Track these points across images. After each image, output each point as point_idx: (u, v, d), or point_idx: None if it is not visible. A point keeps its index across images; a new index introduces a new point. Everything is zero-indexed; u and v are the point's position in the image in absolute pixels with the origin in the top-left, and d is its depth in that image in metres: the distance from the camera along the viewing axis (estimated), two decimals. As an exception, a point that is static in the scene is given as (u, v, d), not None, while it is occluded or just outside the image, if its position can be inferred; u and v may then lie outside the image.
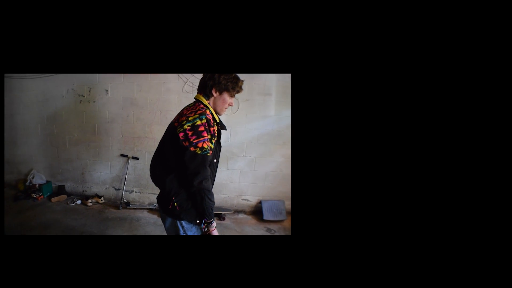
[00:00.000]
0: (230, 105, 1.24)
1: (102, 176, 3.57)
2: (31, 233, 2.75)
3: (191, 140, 1.05)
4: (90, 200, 3.38)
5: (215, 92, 1.20)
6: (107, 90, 3.23)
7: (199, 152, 1.06)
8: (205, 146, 1.07)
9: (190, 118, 1.08)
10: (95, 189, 3.60)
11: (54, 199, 3.51)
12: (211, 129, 1.11)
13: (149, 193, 3.36)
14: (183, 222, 1.18)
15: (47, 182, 3.87)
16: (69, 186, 3.83)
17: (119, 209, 3.20)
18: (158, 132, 3.12)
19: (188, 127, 1.07)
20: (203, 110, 1.12)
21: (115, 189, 3.47)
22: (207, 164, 1.11)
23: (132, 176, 3.40)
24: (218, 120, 1.22)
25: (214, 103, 1.22)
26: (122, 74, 3.16)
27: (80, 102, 3.41)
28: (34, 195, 3.56)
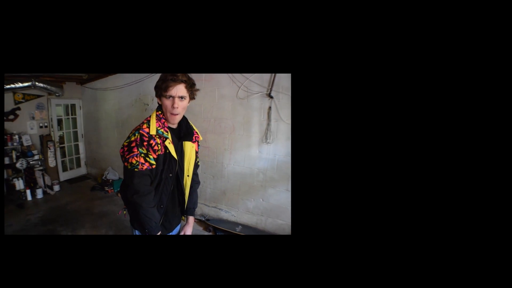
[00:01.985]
0: (174, 107, 1.24)
1: None
2: (91, 217, 3.61)
3: (125, 155, 1.22)
4: None
5: (159, 101, 1.32)
6: None
7: (129, 167, 1.21)
8: (133, 161, 1.19)
9: (130, 135, 1.25)
10: None
11: (120, 195, 4.42)
12: (144, 143, 1.21)
13: (202, 203, 3.55)
14: (136, 231, 1.41)
15: (119, 179, 4.94)
16: (135, 184, 4.76)
17: (172, 216, 3.69)
18: (212, 142, 3.36)
19: (126, 144, 1.23)
20: (140, 125, 1.26)
21: None
22: (138, 179, 1.22)
23: (187, 184, 3.81)
24: (164, 133, 1.28)
25: (164, 112, 1.31)
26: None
27: (145, 110, 4.07)
28: (106, 188, 4.77)
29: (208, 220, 3.44)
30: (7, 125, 4.45)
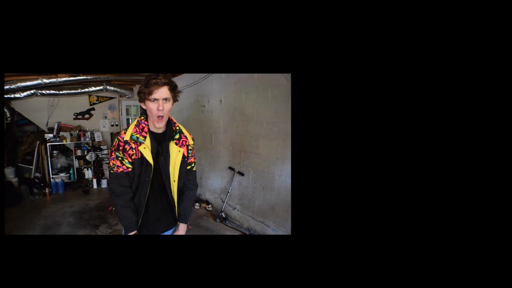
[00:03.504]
0: (159, 109, 1.37)
1: (214, 185, 4.37)
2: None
3: (109, 157, 1.49)
4: (197, 204, 4.36)
5: (143, 105, 1.44)
6: (221, 100, 3.91)
7: (109, 168, 1.48)
8: (111, 164, 1.45)
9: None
10: (208, 196, 4.52)
11: None
12: (120, 148, 1.43)
13: (249, 216, 3.59)
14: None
15: None
16: (191, 186, 5.20)
17: (215, 221, 3.86)
18: (264, 148, 3.27)
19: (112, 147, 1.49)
20: (121, 132, 1.46)
21: (222, 200, 4.02)
22: (113, 180, 1.47)
23: (237, 192, 3.80)
24: (139, 138, 1.43)
25: (149, 116, 1.45)
26: (233, 82, 3.66)
27: (202, 112, 4.43)
28: None
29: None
30: (83, 123, 5.62)
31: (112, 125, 6.04)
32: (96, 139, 5.67)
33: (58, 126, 5.44)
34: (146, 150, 1.44)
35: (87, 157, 5.39)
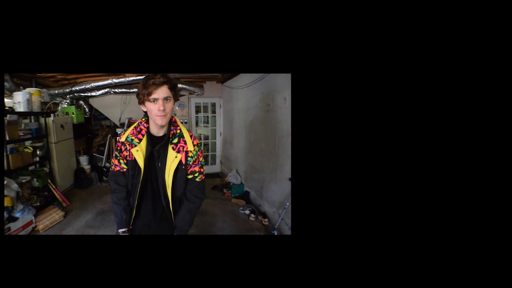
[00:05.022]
0: (160, 110, 1.43)
1: (273, 197, 4.23)
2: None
3: None
4: (252, 215, 4.38)
5: (143, 107, 1.52)
6: (285, 98, 3.70)
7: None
8: (111, 161, 1.60)
9: None
10: (267, 208, 4.46)
11: (234, 201, 5.07)
12: (118, 148, 1.62)
13: None
14: None
15: (241, 184, 5.64)
16: (252, 195, 5.17)
17: (267, 238, 3.89)
18: None
19: None
20: (122, 133, 1.61)
21: (278, 215, 3.71)
22: (111, 177, 1.69)
23: (293, 208, 3.67)
24: (134, 140, 1.56)
25: (150, 117, 1.54)
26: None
27: (267, 111, 4.33)
28: (225, 190, 5.61)
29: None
30: None
31: (181, 122, 6.49)
32: (165, 137, 6.32)
33: (128, 121, 6.29)
34: (138, 153, 1.55)
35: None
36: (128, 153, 1.59)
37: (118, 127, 6.62)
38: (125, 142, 1.60)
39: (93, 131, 7.57)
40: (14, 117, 4.35)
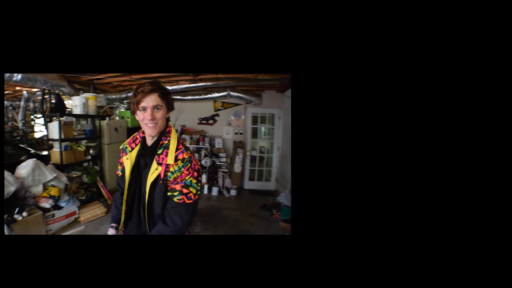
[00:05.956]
0: (147, 119, 1.45)
1: None
2: (231, 230, 4.54)
3: None
4: None
5: (136, 116, 1.54)
6: None
7: None
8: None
9: None
10: None
11: (282, 224, 5.00)
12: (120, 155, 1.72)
13: None
14: None
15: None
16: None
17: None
18: None
19: None
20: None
21: None
22: (117, 179, 1.79)
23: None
24: (127, 148, 1.66)
25: (141, 126, 1.57)
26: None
27: None
28: (274, 211, 5.50)
29: None
30: (207, 128, 6.69)
31: (236, 133, 6.75)
32: (216, 146, 6.62)
33: (181, 129, 6.76)
34: (127, 161, 1.63)
35: (202, 162, 6.40)
36: (122, 161, 1.69)
37: (170, 134, 7.11)
38: (122, 149, 1.72)
39: (148, 136, 8.38)
40: (70, 118, 5.13)
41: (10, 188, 3.47)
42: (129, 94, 6.27)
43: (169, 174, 1.50)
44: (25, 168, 3.87)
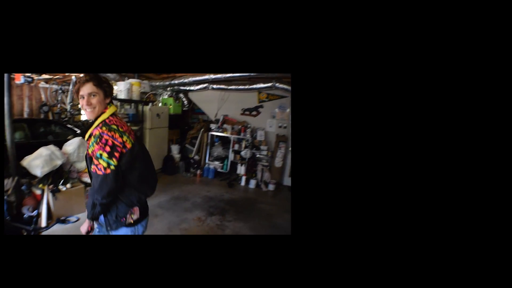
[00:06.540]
0: (85, 104, 1.66)
1: None
2: (257, 225, 4.54)
3: None
4: None
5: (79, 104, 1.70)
6: None
7: None
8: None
9: None
10: None
11: None
12: None
13: None
14: None
15: None
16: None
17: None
18: None
19: None
20: None
21: None
22: None
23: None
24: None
25: None
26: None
27: None
28: None
29: None
30: (250, 119, 6.76)
31: (280, 127, 6.67)
32: (258, 138, 6.63)
33: (223, 118, 6.88)
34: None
35: (242, 153, 6.50)
36: None
37: (212, 122, 7.25)
38: None
39: (190, 123, 8.62)
40: (115, 102, 5.38)
41: (57, 161, 3.89)
42: (172, 82, 6.56)
43: (89, 145, 1.71)
44: (71, 145, 4.26)
